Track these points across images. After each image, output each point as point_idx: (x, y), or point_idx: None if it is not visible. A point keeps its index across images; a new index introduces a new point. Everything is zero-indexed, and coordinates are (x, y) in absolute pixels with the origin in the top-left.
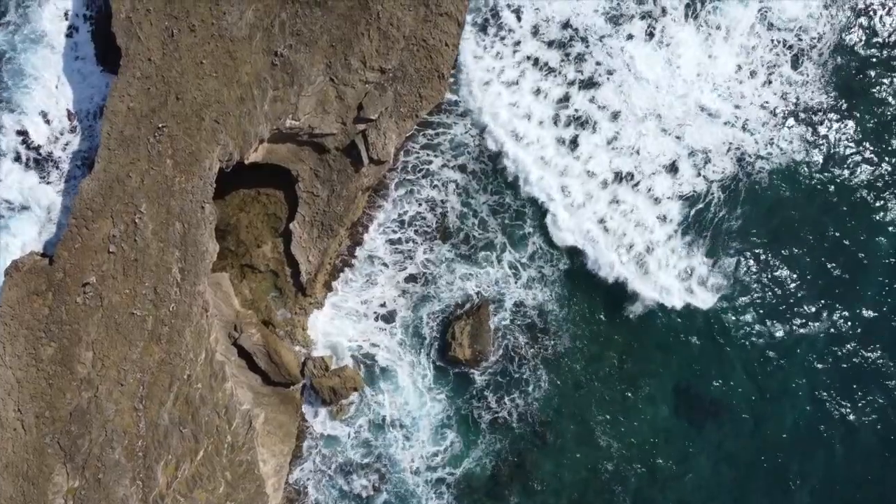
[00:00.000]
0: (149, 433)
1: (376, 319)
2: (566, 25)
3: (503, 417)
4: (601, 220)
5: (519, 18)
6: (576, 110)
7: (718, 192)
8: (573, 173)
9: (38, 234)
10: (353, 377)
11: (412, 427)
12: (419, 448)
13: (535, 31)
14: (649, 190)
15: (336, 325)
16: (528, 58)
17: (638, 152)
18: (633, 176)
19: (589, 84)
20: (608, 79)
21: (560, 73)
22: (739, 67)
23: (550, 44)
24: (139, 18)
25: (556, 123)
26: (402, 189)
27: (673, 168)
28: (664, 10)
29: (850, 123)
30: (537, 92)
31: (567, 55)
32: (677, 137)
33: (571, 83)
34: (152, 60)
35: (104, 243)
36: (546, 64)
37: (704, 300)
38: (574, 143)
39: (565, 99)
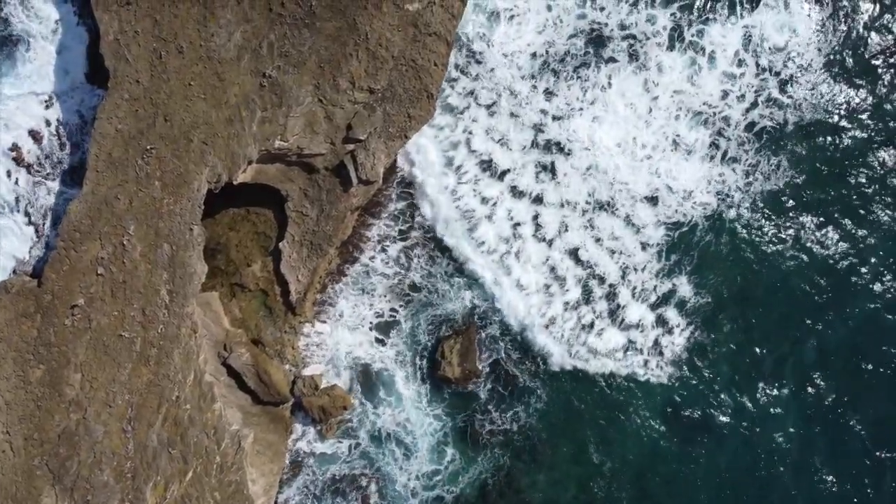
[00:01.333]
0: (137, 455)
1: (371, 329)
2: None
3: (494, 435)
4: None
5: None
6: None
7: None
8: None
9: (27, 254)
10: (343, 396)
11: (411, 444)
12: (417, 465)
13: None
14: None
15: (335, 338)
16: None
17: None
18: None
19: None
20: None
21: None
22: (725, 94)
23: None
24: (127, 40)
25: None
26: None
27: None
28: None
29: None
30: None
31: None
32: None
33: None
34: (140, 82)
35: (92, 265)
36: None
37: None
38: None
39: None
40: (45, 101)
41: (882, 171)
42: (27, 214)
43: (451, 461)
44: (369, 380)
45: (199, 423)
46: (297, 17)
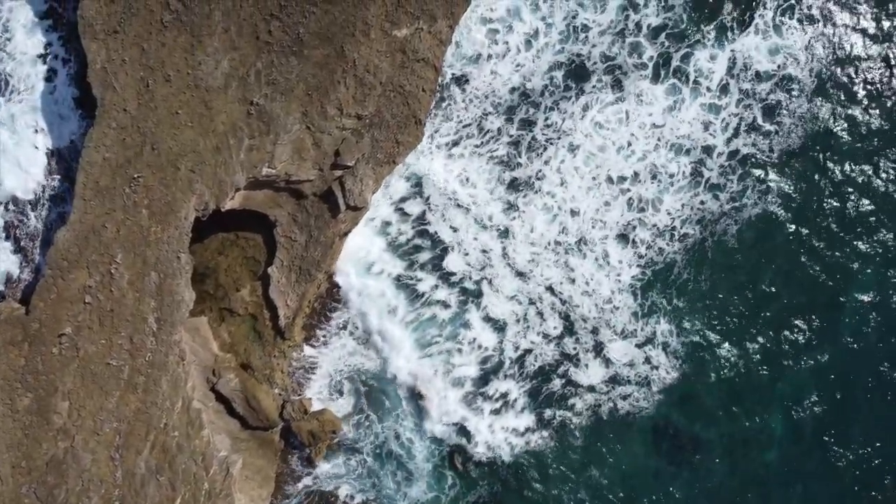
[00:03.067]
0: (126, 482)
1: (366, 347)
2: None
3: (486, 459)
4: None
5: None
6: None
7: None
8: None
9: (15, 282)
10: (332, 420)
11: (411, 467)
12: (417, 490)
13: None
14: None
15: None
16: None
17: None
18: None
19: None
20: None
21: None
22: (706, 126)
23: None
24: (114, 69)
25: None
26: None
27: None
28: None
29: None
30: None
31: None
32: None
33: None
34: (128, 111)
35: (80, 294)
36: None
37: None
38: None
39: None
40: (34, 128)
41: (871, 197)
42: (16, 240)
43: (451, 486)
44: (366, 399)
45: (188, 449)
46: (284, 44)
